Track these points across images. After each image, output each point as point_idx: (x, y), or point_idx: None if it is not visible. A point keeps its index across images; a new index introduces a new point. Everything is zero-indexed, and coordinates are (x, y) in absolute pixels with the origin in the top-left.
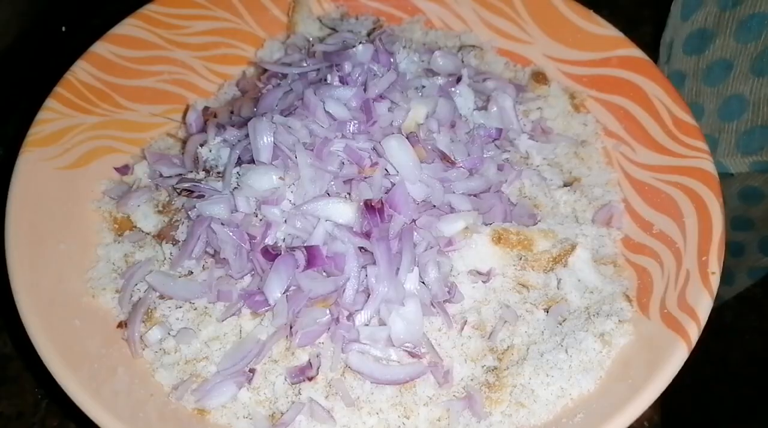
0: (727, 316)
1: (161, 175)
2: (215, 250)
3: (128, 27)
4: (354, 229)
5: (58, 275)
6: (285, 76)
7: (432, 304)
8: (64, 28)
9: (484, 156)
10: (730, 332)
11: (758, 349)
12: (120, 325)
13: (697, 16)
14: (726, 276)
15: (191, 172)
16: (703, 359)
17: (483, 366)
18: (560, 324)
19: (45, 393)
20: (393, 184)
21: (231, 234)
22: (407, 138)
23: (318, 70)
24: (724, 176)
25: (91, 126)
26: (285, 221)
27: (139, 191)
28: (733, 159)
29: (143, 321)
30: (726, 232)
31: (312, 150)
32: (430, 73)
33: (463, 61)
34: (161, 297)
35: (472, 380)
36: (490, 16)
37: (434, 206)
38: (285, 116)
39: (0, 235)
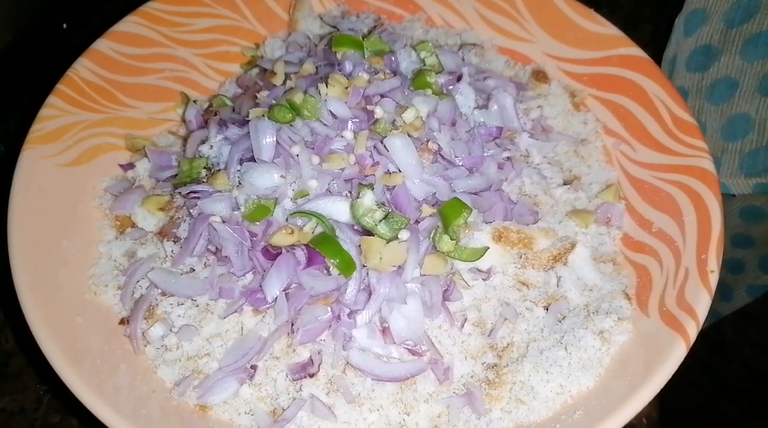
0: (727, 331)
1: (161, 168)
2: (217, 248)
3: (129, 24)
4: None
5: (61, 272)
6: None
7: (432, 303)
8: (65, 26)
9: (485, 154)
10: (730, 346)
11: (757, 363)
12: (122, 322)
13: (701, 32)
14: (725, 293)
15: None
16: (701, 371)
17: (483, 363)
18: (560, 321)
19: (47, 389)
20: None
21: (232, 231)
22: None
23: (319, 67)
24: (726, 196)
25: (92, 123)
26: (286, 219)
27: (135, 193)
28: (736, 180)
29: (145, 318)
30: (724, 240)
31: (313, 148)
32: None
33: (463, 60)
34: (163, 294)
35: (472, 377)
36: (490, 15)
37: (436, 203)
38: None
39: (2, 232)
